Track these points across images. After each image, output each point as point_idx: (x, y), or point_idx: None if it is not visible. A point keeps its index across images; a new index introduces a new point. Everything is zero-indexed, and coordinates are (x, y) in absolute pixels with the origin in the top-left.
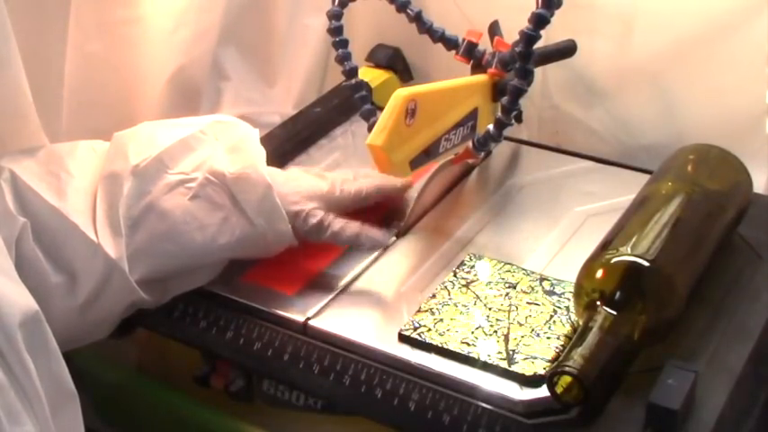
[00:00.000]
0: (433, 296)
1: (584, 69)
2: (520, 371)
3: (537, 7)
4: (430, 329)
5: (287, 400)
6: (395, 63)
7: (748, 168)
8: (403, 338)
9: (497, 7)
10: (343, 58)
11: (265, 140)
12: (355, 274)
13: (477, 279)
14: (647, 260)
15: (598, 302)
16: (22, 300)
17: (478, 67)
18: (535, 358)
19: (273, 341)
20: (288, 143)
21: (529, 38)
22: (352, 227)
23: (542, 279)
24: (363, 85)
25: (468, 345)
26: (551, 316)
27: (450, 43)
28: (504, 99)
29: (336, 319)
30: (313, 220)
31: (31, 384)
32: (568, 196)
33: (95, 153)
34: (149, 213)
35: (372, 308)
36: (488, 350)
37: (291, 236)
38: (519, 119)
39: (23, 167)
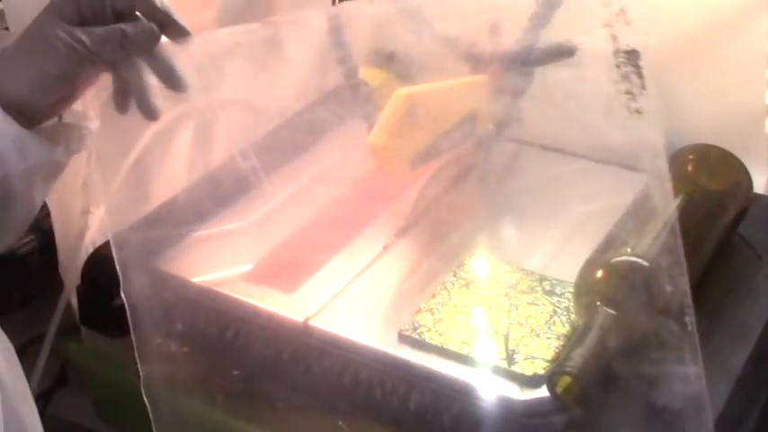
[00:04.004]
0: (433, 296)
1: None
2: (520, 371)
3: (537, 7)
4: (430, 329)
5: (287, 399)
6: (395, 63)
7: (748, 168)
8: (403, 338)
9: (497, 7)
10: (344, 59)
11: (265, 140)
12: (355, 273)
13: (477, 279)
14: (648, 260)
15: (598, 302)
16: None
17: (479, 67)
18: (535, 358)
19: (273, 341)
20: (288, 143)
21: (529, 38)
22: None
23: (542, 279)
24: (363, 85)
25: (468, 345)
26: (551, 316)
27: (451, 43)
28: (505, 99)
29: (336, 319)
30: None
31: None
32: (568, 196)
33: None
34: None
35: (372, 308)
36: (488, 350)
37: None
38: (519, 118)
39: None
